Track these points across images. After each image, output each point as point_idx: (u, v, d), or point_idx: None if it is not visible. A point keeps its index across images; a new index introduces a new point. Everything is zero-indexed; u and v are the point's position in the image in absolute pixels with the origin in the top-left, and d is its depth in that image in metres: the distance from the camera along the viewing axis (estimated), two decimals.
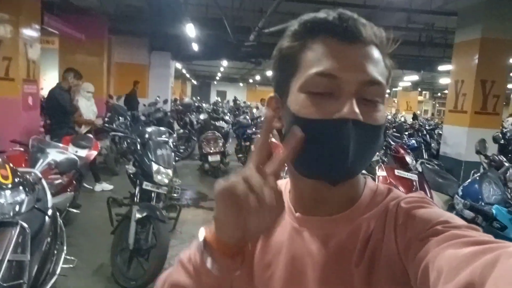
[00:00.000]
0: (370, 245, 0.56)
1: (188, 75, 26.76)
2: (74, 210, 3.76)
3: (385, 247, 0.55)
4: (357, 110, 0.52)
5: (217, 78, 29.70)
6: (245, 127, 8.01)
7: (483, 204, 2.60)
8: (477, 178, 3.02)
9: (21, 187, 1.85)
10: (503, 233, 2.17)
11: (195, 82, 33.15)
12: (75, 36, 8.76)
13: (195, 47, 11.89)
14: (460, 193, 2.97)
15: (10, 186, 1.79)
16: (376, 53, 0.57)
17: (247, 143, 7.37)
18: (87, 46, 9.30)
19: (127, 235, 3.08)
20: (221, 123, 8.79)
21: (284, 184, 0.70)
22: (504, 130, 8.91)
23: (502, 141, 7.02)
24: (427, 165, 5.38)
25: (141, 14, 9.93)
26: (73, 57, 9.43)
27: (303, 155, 0.55)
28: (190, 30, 8.73)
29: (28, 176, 2.10)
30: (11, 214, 1.73)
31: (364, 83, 0.54)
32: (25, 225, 1.71)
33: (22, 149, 3.52)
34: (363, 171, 0.67)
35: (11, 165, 1.94)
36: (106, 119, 7.35)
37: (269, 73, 20.04)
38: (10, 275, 1.58)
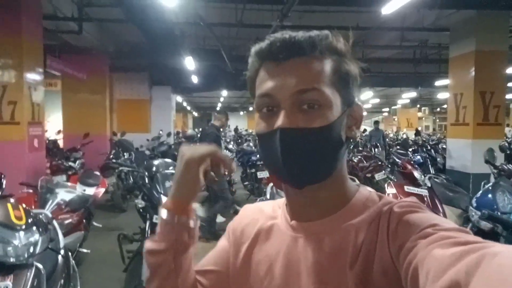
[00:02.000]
0: (364, 248, 0.58)
1: (188, 108, 27.04)
2: (84, 250, 3.72)
3: (378, 251, 0.56)
4: (285, 119, 0.59)
5: (218, 108, 30.02)
6: (249, 154, 8.01)
7: (499, 213, 2.56)
8: (490, 188, 3.00)
9: (34, 228, 1.84)
10: None
11: (195, 114, 33.46)
12: (77, 76, 8.94)
13: (194, 79, 12.10)
14: (474, 204, 2.93)
15: (24, 227, 1.78)
16: (308, 62, 0.61)
17: (253, 170, 7.35)
18: (89, 85, 9.48)
19: (140, 272, 3.03)
20: (225, 152, 8.81)
21: (282, 201, 0.76)
22: (509, 140, 8.88)
23: (508, 151, 7.00)
24: (435, 179, 5.34)
25: (139, 49, 10.16)
26: (75, 96, 9.59)
27: (268, 165, 0.66)
28: (189, 62, 8.91)
29: (40, 217, 2.09)
30: (26, 255, 1.72)
31: (295, 94, 0.60)
32: (40, 266, 1.69)
33: (31, 190, 3.53)
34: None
35: (24, 205, 1.94)
36: (111, 156, 7.38)
37: None
38: None
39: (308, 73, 0.60)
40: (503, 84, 7.03)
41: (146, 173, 3.52)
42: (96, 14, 7.51)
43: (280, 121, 0.60)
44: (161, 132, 12.19)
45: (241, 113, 33.10)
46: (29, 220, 1.85)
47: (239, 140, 15.31)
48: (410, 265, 0.48)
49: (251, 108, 28.73)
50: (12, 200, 1.94)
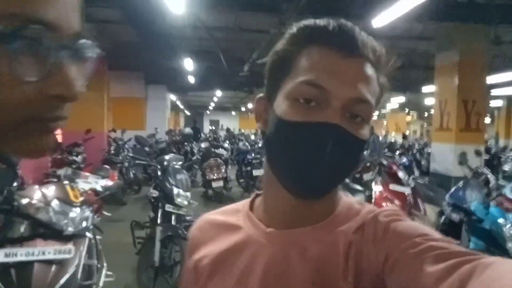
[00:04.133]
0: (352, 259, 0.54)
1: (181, 106, 27.30)
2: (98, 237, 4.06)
3: (365, 260, 0.54)
4: (338, 118, 0.53)
5: (210, 108, 30.27)
6: (245, 153, 8.41)
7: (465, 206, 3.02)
8: (460, 185, 3.44)
9: (85, 206, 2.21)
10: (480, 225, 2.57)
11: (188, 113, 33.70)
12: None
13: (190, 78, 12.41)
14: (447, 200, 3.37)
15: (79, 204, 2.15)
16: (370, 70, 0.55)
17: (248, 168, 7.73)
18: (88, 84, 9.69)
19: (152, 254, 3.39)
20: (220, 151, 9.18)
21: (242, 206, 0.69)
22: (489, 146, 9.42)
23: (488, 156, 7.49)
24: (418, 181, 5.78)
25: (136, 49, 10.45)
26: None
27: (286, 160, 0.55)
28: (187, 63, 9.23)
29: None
30: (81, 227, 2.09)
31: (352, 100, 0.53)
32: (91, 236, 2.05)
33: (55, 179, 3.86)
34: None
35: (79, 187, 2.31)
36: (112, 151, 7.67)
37: None
38: (83, 276, 1.92)
39: (369, 81, 0.55)
40: (484, 93, 7.52)
41: (159, 166, 3.87)
42: (94, 14, 7.79)
43: (329, 116, 0.52)
44: (158, 130, 12.46)
45: (233, 113, 33.41)
46: (82, 199, 2.22)
47: (233, 140, 15.68)
48: (400, 278, 0.47)
49: (243, 108, 29.06)
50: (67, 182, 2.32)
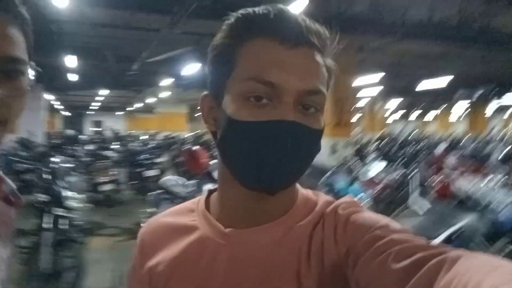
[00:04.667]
0: (313, 253, 0.54)
1: (61, 107, 24.98)
2: None
3: (326, 253, 0.53)
4: (292, 114, 0.51)
5: (93, 108, 28.27)
6: (136, 154, 8.21)
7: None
8: (329, 174, 4.09)
9: None
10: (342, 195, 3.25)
11: (67, 114, 30.92)
12: None
13: (73, 77, 11.55)
14: (321, 185, 4.01)
15: None
16: (318, 57, 0.54)
17: (140, 169, 7.59)
18: None
19: (38, 263, 3.20)
20: (109, 153, 8.78)
21: (196, 205, 0.66)
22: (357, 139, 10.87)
23: (357, 147, 8.64)
24: None
25: None
26: None
27: (245, 160, 0.53)
28: (70, 61, 8.61)
29: None
30: None
31: (303, 92, 0.52)
32: None
33: None
34: None
35: None
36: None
37: (151, 100, 19.72)
38: None
39: (318, 71, 0.54)
40: (352, 93, 8.67)
41: (45, 169, 3.63)
42: None
43: (285, 114, 0.51)
44: (30, 133, 11.25)
45: (118, 113, 31.66)
46: None
47: (122, 141, 15.01)
48: (364, 274, 0.47)
49: (130, 109, 27.80)
50: None
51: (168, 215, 0.66)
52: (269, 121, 0.51)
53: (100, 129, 23.30)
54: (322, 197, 0.61)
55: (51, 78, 12.51)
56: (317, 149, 0.57)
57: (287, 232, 0.57)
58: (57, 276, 3.25)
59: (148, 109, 24.24)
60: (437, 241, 2.62)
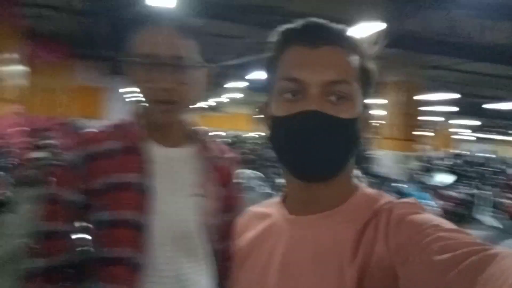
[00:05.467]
0: (363, 244, 0.57)
1: None
2: None
3: (376, 249, 0.55)
4: (314, 103, 0.58)
5: None
6: None
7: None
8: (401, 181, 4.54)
9: None
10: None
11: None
12: (44, 60, 9.23)
13: None
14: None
15: None
16: (341, 53, 0.61)
17: None
18: (51, 71, 9.79)
19: None
20: None
21: (275, 199, 0.75)
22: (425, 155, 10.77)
23: (424, 163, 8.71)
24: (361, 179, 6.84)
25: (102, 39, 10.53)
26: (40, 80, 9.79)
27: (283, 154, 0.63)
28: None
29: None
30: None
31: (327, 83, 0.58)
32: None
33: None
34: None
35: None
36: None
37: (220, 99, 20.10)
38: None
39: (341, 64, 0.60)
40: (421, 109, 8.72)
41: None
42: (63, 5, 7.87)
43: (308, 104, 0.58)
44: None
45: None
46: None
47: None
48: (411, 269, 0.48)
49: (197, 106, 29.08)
50: None
51: (259, 206, 0.79)
52: (295, 113, 0.59)
53: None
54: (385, 197, 0.63)
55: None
56: (351, 137, 0.61)
57: (337, 223, 0.61)
58: None
59: (217, 108, 25.28)
60: None
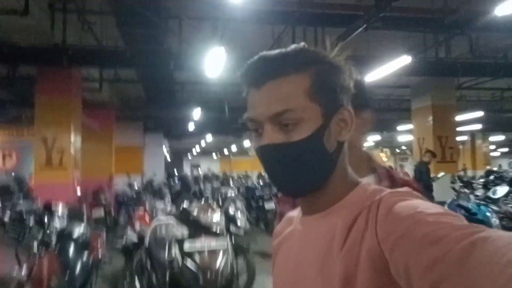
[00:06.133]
0: (352, 234, 0.61)
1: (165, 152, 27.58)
2: None
3: (366, 239, 0.59)
4: (265, 137, 0.66)
5: (195, 152, 30.36)
6: (253, 190, 9.37)
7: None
8: (451, 200, 4.77)
9: None
10: (475, 217, 3.79)
11: (168, 159, 33.61)
12: (92, 127, 10.03)
13: (190, 127, 13.35)
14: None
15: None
16: (283, 84, 0.65)
17: (258, 204, 8.60)
18: (99, 134, 10.60)
19: None
20: (227, 189, 10.10)
21: None
22: (461, 175, 10.85)
23: (462, 184, 8.83)
24: None
25: (139, 102, 11.44)
26: (86, 145, 10.55)
27: (268, 177, 0.72)
28: (196, 113, 10.26)
29: None
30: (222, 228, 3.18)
31: (273, 116, 0.65)
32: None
33: None
34: None
35: None
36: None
37: (247, 143, 20.60)
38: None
39: (280, 96, 0.64)
40: (454, 130, 8.99)
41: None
42: (110, 74, 8.74)
43: (262, 139, 0.66)
44: (155, 175, 13.19)
45: (215, 156, 33.57)
46: None
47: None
48: (401, 257, 0.50)
49: (226, 151, 29.72)
50: None
51: (294, 211, 0.83)
52: (257, 148, 0.68)
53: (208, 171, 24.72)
54: (383, 190, 0.65)
55: (169, 127, 14.54)
56: (312, 152, 0.65)
57: (330, 220, 0.67)
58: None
59: (244, 152, 25.62)
60: None
